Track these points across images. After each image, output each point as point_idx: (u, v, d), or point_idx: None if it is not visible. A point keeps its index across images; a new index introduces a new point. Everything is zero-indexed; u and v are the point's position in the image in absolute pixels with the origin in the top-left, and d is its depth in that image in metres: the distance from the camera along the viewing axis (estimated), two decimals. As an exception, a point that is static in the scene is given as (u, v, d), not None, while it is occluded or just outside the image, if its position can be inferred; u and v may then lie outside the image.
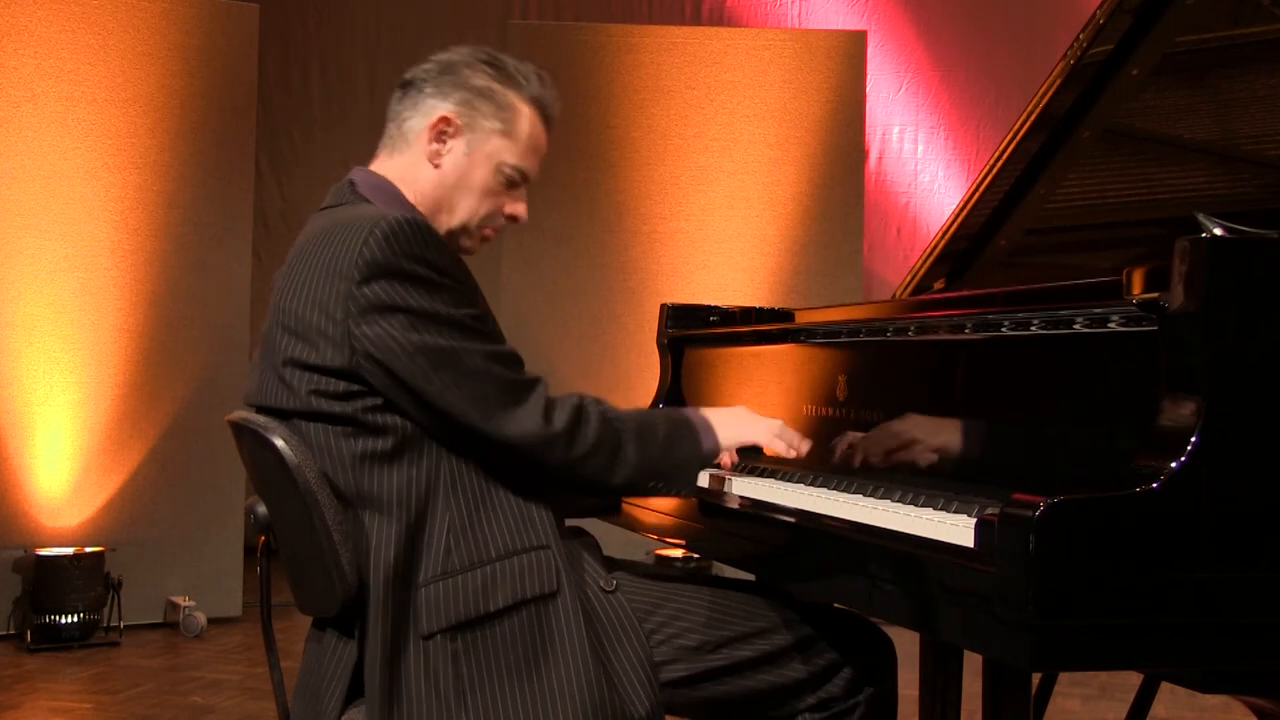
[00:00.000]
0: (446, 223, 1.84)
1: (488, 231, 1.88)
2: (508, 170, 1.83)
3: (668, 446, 1.79)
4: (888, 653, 1.86)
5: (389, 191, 1.79)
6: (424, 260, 1.62)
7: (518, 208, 1.87)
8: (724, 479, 1.96)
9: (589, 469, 1.71)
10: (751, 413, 1.93)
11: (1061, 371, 1.57)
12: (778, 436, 1.88)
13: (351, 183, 1.81)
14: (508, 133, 1.82)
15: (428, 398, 1.62)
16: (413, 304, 1.61)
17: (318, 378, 1.64)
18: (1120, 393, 1.45)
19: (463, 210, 1.83)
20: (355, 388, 1.64)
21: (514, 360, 1.69)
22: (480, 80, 1.81)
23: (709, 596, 1.80)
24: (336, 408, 1.64)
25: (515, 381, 1.67)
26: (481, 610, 1.63)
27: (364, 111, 6.59)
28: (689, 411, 1.88)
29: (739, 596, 1.82)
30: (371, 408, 1.64)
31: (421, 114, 1.81)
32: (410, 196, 1.81)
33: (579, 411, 1.70)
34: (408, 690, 1.61)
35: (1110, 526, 1.24)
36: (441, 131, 1.80)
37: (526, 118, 1.83)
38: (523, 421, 1.65)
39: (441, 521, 1.65)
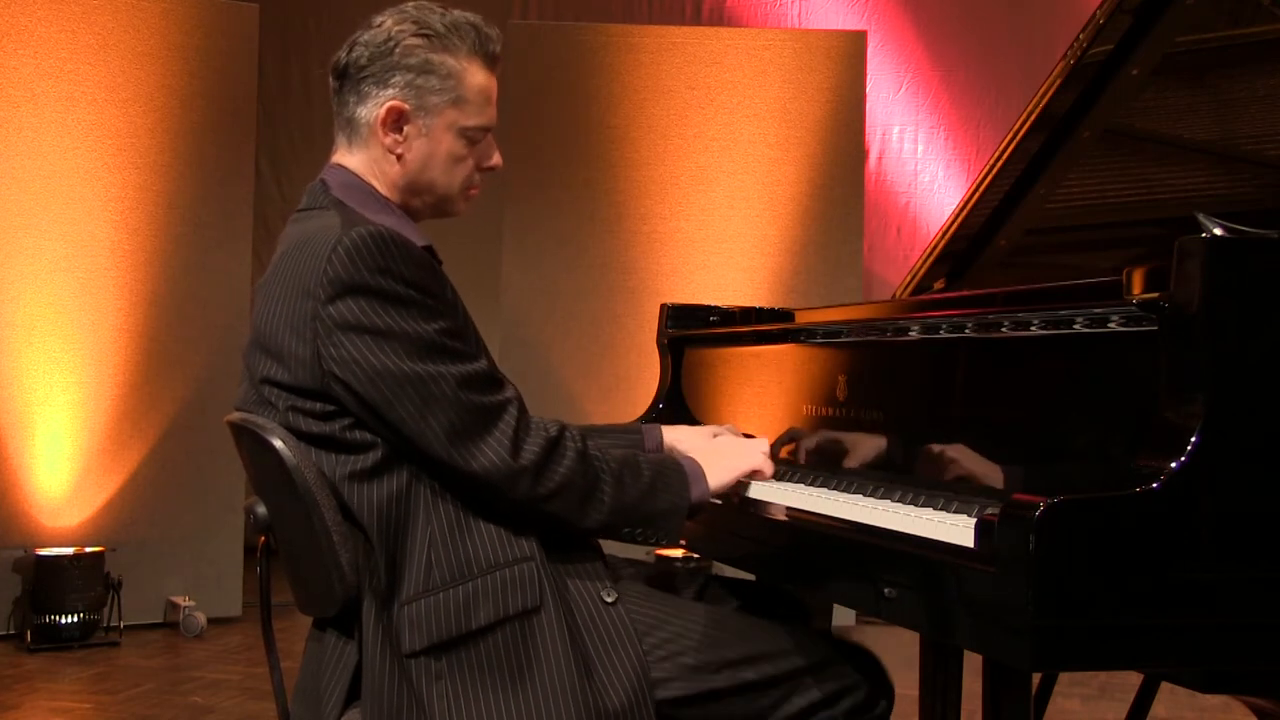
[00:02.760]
0: (427, 200, 1.81)
1: (471, 191, 1.84)
2: (469, 133, 1.78)
3: (651, 492, 1.72)
4: (885, 686, 1.84)
5: (361, 189, 1.76)
6: (390, 273, 1.59)
7: (491, 159, 1.83)
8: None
9: (556, 507, 1.65)
10: (736, 440, 1.94)
11: (1061, 371, 1.57)
12: (766, 458, 1.90)
13: (324, 183, 1.78)
14: (458, 100, 1.76)
15: (394, 425, 1.60)
16: (379, 323, 1.58)
17: (295, 398, 1.64)
18: (1120, 393, 1.45)
19: (440, 185, 1.80)
20: (331, 408, 1.62)
21: (486, 381, 1.64)
22: (417, 56, 1.73)
23: (712, 616, 1.77)
24: (315, 427, 1.64)
25: (484, 406, 1.62)
26: (464, 629, 1.61)
27: (364, 111, 6.59)
28: (682, 457, 1.83)
29: (743, 619, 1.80)
30: (350, 425, 1.63)
31: (368, 105, 1.75)
32: (383, 189, 1.78)
33: (554, 445, 1.65)
34: (400, 706, 1.60)
35: (1110, 526, 1.24)
36: (394, 121, 1.74)
37: (472, 76, 1.77)
38: (487, 453, 1.60)
39: (423, 538, 1.63)
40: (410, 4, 1.79)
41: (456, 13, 1.79)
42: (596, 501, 1.68)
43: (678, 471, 1.78)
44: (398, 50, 1.73)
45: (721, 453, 1.89)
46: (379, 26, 1.76)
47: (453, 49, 1.76)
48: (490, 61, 1.80)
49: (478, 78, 1.78)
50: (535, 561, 1.66)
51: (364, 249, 1.59)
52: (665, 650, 1.70)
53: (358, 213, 1.71)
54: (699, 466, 1.81)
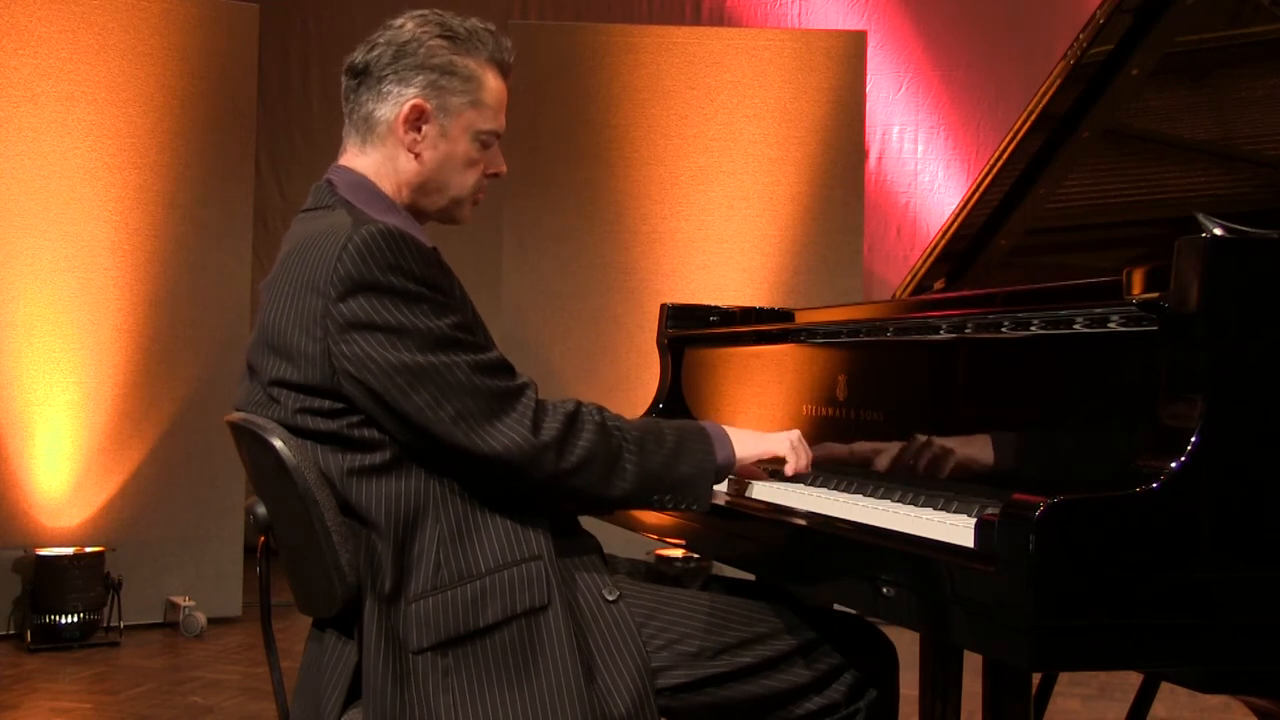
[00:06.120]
0: (438, 202, 1.83)
1: (479, 196, 1.87)
2: (484, 137, 1.81)
3: (675, 457, 1.73)
4: (889, 656, 1.85)
5: (368, 189, 1.78)
6: (401, 270, 1.60)
7: (498, 165, 1.86)
8: (724, 480, 1.95)
9: (581, 481, 1.66)
10: (766, 435, 1.89)
11: (1061, 371, 1.57)
12: (795, 447, 1.85)
13: (330, 182, 1.79)
14: (477, 103, 1.79)
15: (409, 417, 1.60)
16: (391, 320, 1.59)
17: (304, 397, 1.64)
18: (1120, 393, 1.45)
19: (453, 187, 1.82)
20: (340, 405, 1.63)
21: (500, 368, 1.66)
22: (440, 57, 1.77)
23: (709, 602, 1.78)
24: (323, 425, 1.64)
25: (501, 390, 1.63)
26: (471, 626, 1.62)
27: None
28: (707, 423, 1.83)
29: (739, 602, 1.80)
30: (359, 423, 1.63)
31: (388, 104, 1.77)
32: (391, 189, 1.79)
33: (572, 420, 1.66)
34: (400, 705, 1.60)
35: (1110, 526, 1.24)
36: (415, 120, 1.77)
37: (490, 80, 1.81)
38: (509, 432, 1.61)
39: (431, 536, 1.64)
40: (426, 10, 1.81)
41: (473, 20, 1.82)
42: (620, 471, 1.68)
43: (701, 435, 1.78)
44: (422, 51, 1.76)
45: (748, 432, 1.88)
46: (400, 27, 1.78)
47: (474, 53, 1.79)
48: (504, 69, 1.84)
49: (494, 83, 1.82)
50: (543, 560, 1.67)
51: (374, 246, 1.60)
52: (663, 639, 1.71)
53: (365, 212, 1.71)
54: (723, 431, 1.80)
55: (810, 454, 1.88)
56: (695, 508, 1.76)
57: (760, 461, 1.90)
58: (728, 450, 1.79)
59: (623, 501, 1.73)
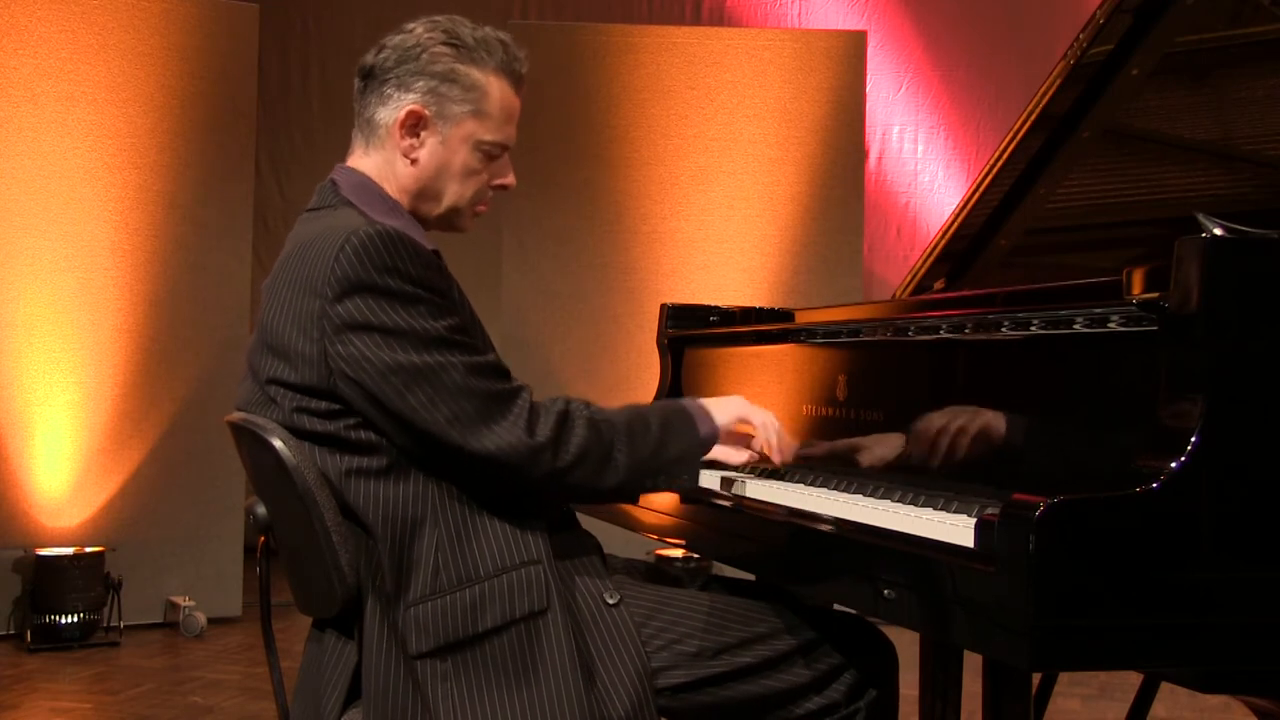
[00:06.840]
0: (434, 209, 1.81)
1: (480, 208, 1.85)
2: (486, 147, 1.79)
3: (662, 442, 1.75)
4: (889, 656, 1.85)
5: (371, 190, 1.77)
6: (398, 272, 1.59)
7: (505, 178, 1.84)
8: (725, 479, 1.95)
9: (576, 477, 1.67)
10: (746, 401, 1.90)
11: (1061, 371, 1.57)
12: (765, 424, 1.86)
13: (334, 183, 1.79)
14: (479, 112, 1.77)
15: (405, 418, 1.60)
16: (387, 321, 1.59)
17: (301, 397, 1.64)
18: (1120, 393, 1.45)
19: (449, 196, 1.80)
20: (337, 407, 1.63)
21: (496, 371, 1.66)
22: (442, 64, 1.75)
23: (708, 602, 1.78)
24: (320, 426, 1.64)
25: (497, 393, 1.63)
26: (471, 631, 1.62)
27: (364, 111, 6.61)
28: (685, 401, 1.85)
29: (739, 602, 1.80)
30: (355, 425, 1.63)
31: (388, 107, 1.76)
32: (393, 191, 1.79)
33: (564, 418, 1.67)
34: (401, 707, 1.61)
35: (1110, 526, 1.24)
36: (412, 125, 1.76)
37: (496, 90, 1.78)
38: (505, 434, 1.61)
39: (430, 540, 1.63)
40: (442, 15, 1.80)
41: (488, 29, 1.80)
42: (613, 463, 1.70)
43: (683, 415, 1.80)
44: (424, 56, 1.75)
45: (729, 400, 1.89)
46: (409, 32, 1.78)
47: (479, 62, 1.77)
48: (515, 80, 1.81)
49: (501, 93, 1.79)
50: (542, 564, 1.67)
51: (371, 248, 1.59)
52: (663, 639, 1.72)
53: (366, 213, 1.71)
54: (701, 405, 1.83)
55: (788, 440, 1.89)
56: (685, 485, 1.80)
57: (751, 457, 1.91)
58: (709, 424, 1.82)
59: (616, 491, 1.75)
